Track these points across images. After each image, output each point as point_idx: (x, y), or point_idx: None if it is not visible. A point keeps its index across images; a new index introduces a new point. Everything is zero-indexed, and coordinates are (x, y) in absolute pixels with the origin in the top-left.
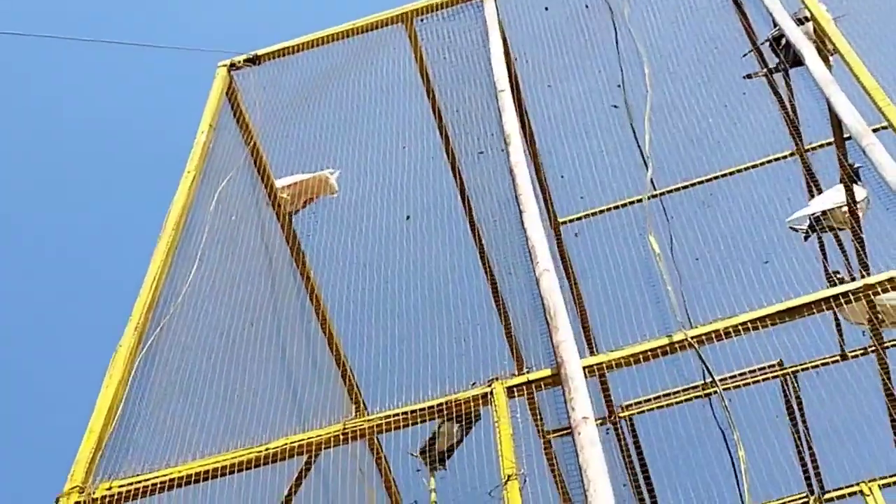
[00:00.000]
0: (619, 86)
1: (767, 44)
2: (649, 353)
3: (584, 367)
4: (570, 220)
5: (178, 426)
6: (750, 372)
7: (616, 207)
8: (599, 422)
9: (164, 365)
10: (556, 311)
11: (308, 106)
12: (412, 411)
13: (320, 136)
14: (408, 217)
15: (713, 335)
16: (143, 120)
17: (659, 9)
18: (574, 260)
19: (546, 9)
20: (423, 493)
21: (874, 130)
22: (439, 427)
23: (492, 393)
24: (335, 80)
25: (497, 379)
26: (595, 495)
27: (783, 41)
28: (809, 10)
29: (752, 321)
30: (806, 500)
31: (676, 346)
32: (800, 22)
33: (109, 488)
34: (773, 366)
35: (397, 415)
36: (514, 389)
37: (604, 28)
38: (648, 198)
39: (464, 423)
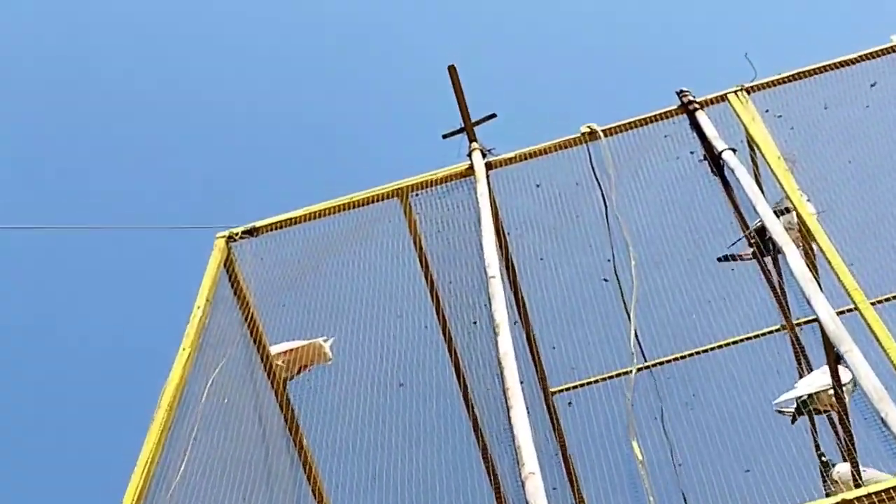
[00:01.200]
0: (609, 261)
1: (753, 232)
2: None
3: None
4: (562, 391)
5: None
6: None
7: (606, 379)
8: None
9: None
10: None
11: (305, 276)
12: None
13: (316, 305)
14: (401, 384)
15: None
16: (135, 300)
17: (648, 190)
18: (566, 429)
19: (538, 185)
20: None
21: (841, 313)
22: None
23: None
24: (332, 251)
25: None
26: None
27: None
28: (792, 204)
29: None
30: None
31: None
32: (782, 212)
33: None
34: None
35: None
36: None
37: (594, 204)
38: (633, 382)
39: None
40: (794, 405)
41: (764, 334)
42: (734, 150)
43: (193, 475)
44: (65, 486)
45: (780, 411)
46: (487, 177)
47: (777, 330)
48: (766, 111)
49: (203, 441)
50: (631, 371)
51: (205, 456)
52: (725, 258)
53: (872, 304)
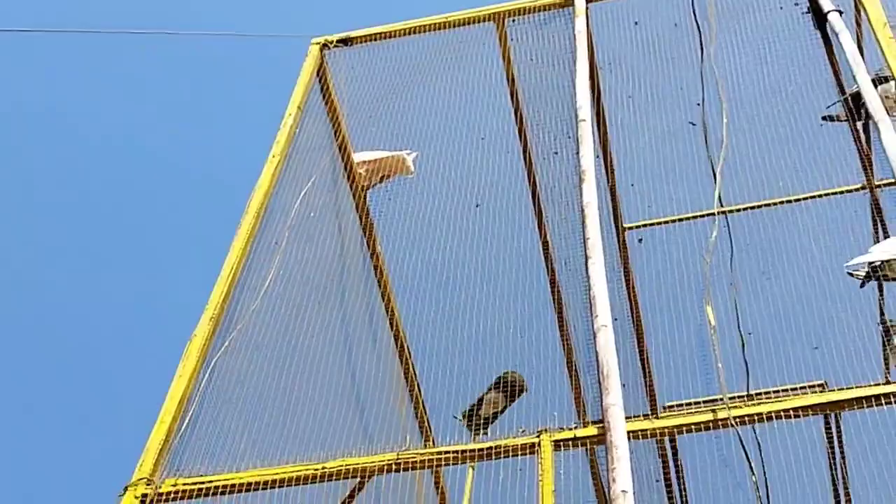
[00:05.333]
0: (698, 104)
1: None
2: (693, 426)
3: (629, 432)
4: (636, 227)
5: (244, 427)
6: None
7: (680, 220)
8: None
9: (236, 360)
10: (609, 371)
11: (395, 90)
12: (462, 451)
13: (404, 119)
14: (477, 205)
15: (756, 417)
16: (228, 105)
17: (749, 40)
18: (634, 267)
19: (636, 23)
20: None
21: None
22: (485, 393)
23: (539, 444)
24: (424, 68)
25: (546, 430)
26: None
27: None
28: (892, 72)
29: (796, 409)
30: None
31: (720, 423)
32: (883, 80)
33: (175, 485)
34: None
35: (448, 452)
36: (561, 443)
37: (689, 47)
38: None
39: (509, 392)
40: (866, 269)
41: (844, 192)
42: (841, 13)
43: (276, 285)
44: (154, 288)
45: (851, 274)
46: (587, 10)
47: (858, 189)
48: None
49: (287, 250)
50: (713, 214)
51: (288, 261)
52: (828, 118)
53: None
